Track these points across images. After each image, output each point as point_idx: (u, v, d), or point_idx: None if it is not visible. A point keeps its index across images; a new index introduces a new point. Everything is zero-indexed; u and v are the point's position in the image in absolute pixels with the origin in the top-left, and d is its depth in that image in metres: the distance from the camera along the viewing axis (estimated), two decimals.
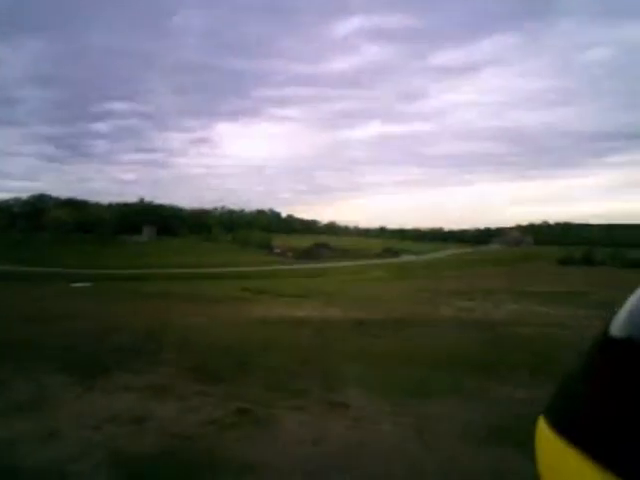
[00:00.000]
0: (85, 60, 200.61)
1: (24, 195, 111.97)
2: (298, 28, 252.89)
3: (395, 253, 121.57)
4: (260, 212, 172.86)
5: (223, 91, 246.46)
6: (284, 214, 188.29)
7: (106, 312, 17.61)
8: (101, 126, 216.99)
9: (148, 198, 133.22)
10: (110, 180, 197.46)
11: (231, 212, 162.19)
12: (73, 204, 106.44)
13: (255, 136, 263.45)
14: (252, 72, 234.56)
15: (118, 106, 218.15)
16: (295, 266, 70.00)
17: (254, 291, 31.02)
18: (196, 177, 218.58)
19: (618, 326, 1.13)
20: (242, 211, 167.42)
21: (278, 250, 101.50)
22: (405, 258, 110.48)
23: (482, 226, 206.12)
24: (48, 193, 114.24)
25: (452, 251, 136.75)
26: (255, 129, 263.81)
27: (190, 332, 11.79)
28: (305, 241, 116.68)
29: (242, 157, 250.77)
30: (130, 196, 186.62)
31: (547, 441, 1.15)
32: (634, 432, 0.90)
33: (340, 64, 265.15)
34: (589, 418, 1.07)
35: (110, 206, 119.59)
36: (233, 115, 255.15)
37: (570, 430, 1.08)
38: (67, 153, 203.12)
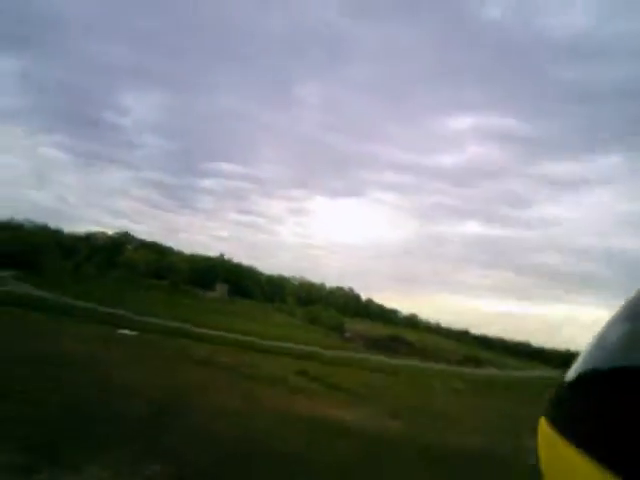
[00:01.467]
0: (203, 118, 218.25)
1: (110, 230, 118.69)
2: (409, 117, 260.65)
3: (478, 363, 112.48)
4: (339, 290, 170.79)
5: (326, 166, 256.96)
6: (364, 297, 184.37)
7: (123, 373, 15.79)
8: (208, 182, 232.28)
9: (232, 256, 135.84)
10: (203, 234, 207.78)
11: (310, 285, 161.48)
12: (154, 247, 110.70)
13: (349, 215, 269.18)
14: (357, 152, 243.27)
15: (227, 167, 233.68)
16: (364, 356, 65.42)
17: (310, 377, 28.04)
18: (285, 245, 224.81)
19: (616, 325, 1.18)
20: (321, 285, 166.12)
21: (349, 335, 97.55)
22: (489, 371, 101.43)
23: (574, 348, 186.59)
24: (132, 232, 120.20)
25: (541, 372, 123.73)
26: (350, 208, 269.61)
27: (217, 423, 9.30)
28: (381, 330, 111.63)
29: (333, 233, 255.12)
30: (214, 251, 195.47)
31: (548, 441, 1.21)
32: (635, 432, 0.92)
33: (445, 158, 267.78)
34: (590, 418, 1.11)
35: (192, 256, 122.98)
36: (332, 191, 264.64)
37: (571, 430, 1.13)
38: (171, 202, 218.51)
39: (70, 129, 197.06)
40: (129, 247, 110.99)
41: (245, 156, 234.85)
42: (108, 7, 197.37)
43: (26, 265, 66.39)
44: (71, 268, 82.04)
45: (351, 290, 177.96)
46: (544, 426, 1.27)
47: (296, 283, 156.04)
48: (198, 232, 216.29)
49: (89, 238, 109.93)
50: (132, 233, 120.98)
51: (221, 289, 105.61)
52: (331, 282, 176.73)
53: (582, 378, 1.23)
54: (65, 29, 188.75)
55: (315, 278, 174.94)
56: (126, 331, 34.21)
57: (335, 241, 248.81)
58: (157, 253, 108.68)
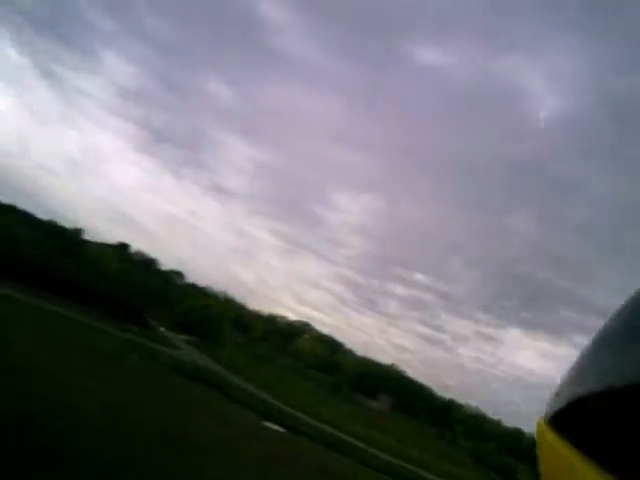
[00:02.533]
0: (406, 226, 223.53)
1: (291, 316, 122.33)
2: (628, 264, 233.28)
3: None
4: (517, 432, 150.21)
5: (525, 297, 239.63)
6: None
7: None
8: (399, 289, 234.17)
9: (404, 368, 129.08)
10: (380, 338, 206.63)
11: (484, 418, 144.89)
12: (327, 341, 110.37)
13: (542, 354, 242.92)
14: (562, 289, 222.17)
15: (419, 277, 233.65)
16: None
17: None
18: (464, 369, 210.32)
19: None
20: (497, 422, 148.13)
21: None
22: None
23: None
24: (311, 322, 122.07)
25: None
26: (544, 347, 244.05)
27: None
28: None
29: (520, 369, 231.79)
30: (387, 357, 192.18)
31: (547, 442, 1.21)
32: (633, 433, 0.92)
33: None
34: (589, 419, 1.11)
35: (362, 358, 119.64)
36: (527, 324, 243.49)
37: (570, 431, 1.13)
38: (358, 300, 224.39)
39: (284, 216, 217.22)
40: (305, 336, 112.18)
41: (439, 270, 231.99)
42: (353, 119, 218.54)
43: (202, 331, 69.54)
44: (245, 344, 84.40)
45: (530, 435, 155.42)
46: (543, 427, 1.28)
47: (468, 412, 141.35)
48: (376, 335, 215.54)
49: (269, 319, 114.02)
50: (311, 322, 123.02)
51: (384, 401, 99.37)
52: (508, 422, 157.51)
53: (581, 378, 1.22)
54: (299, 129, 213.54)
55: (490, 412, 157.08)
56: (273, 425, 31.57)
57: (520, 377, 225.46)
58: (329, 347, 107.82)
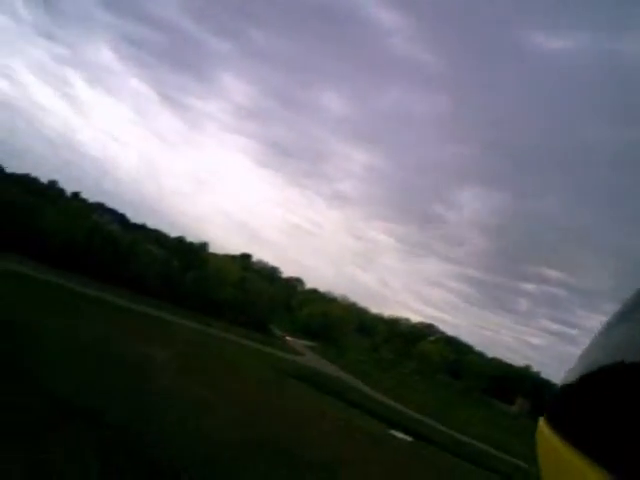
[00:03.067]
0: (531, 222, 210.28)
1: (414, 318, 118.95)
2: None
3: None
4: None
5: None
6: None
7: None
8: (528, 286, 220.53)
9: (540, 369, 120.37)
10: (510, 337, 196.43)
11: None
12: (453, 343, 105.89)
13: None
14: None
15: (549, 272, 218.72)
16: None
17: None
18: None
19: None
20: None
21: None
22: None
23: None
24: (436, 323, 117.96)
25: None
26: None
27: None
28: None
29: None
30: (519, 356, 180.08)
31: (548, 442, 1.24)
32: (633, 432, 0.94)
33: None
34: (589, 419, 1.13)
35: (492, 360, 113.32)
36: None
37: (570, 431, 1.15)
38: (484, 299, 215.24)
39: (402, 218, 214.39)
40: (430, 338, 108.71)
41: (569, 266, 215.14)
42: (455, 111, 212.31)
43: (324, 336, 69.61)
44: (368, 348, 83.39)
45: None
46: (543, 426, 1.30)
47: None
48: (505, 334, 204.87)
49: (392, 322, 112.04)
50: (435, 324, 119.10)
51: (522, 404, 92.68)
52: None
53: (581, 379, 1.24)
54: (411, 130, 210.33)
55: None
56: (399, 433, 30.00)
57: None
58: (455, 349, 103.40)
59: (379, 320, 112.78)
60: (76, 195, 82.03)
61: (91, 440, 11.15)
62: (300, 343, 63.07)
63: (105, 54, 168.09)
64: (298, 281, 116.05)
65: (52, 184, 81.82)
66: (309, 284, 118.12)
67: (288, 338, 62.86)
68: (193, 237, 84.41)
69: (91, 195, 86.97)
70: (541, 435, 1.30)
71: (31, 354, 16.05)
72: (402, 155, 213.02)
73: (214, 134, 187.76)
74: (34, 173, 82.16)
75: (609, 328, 1.25)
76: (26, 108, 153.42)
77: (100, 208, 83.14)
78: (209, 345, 33.68)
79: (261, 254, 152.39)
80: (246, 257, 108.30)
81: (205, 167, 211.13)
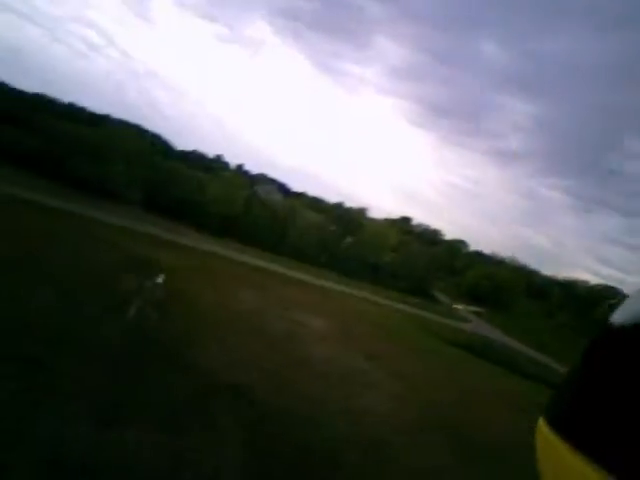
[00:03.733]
0: None
1: (593, 279, 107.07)
2: None
3: None
4: None
5: None
6: None
7: None
8: None
9: None
10: None
11: None
12: None
13: None
14: None
15: None
16: None
17: None
18: None
19: (619, 319, 1.21)
20: None
21: None
22: None
23: None
24: (618, 287, 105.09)
25: None
26: None
27: None
28: None
29: None
30: None
31: (547, 441, 1.24)
32: (633, 432, 0.96)
33: None
34: (589, 420, 1.14)
35: None
36: None
37: (570, 430, 1.16)
38: None
39: (572, 172, 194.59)
40: (610, 301, 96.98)
41: None
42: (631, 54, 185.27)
43: (491, 301, 65.07)
44: (541, 313, 76.61)
45: None
46: (543, 427, 1.30)
47: None
48: None
49: (567, 285, 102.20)
50: (618, 286, 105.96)
51: None
52: None
53: (581, 379, 1.25)
54: (581, 77, 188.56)
55: None
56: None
57: None
58: None
59: (553, 283, 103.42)
60: (240, 167, 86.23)
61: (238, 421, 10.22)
62: (466, 309, 59.40)
63: (262, 28, 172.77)
64: (462, 243, 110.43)
65: (217, 158, 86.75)
66: (473, 246, 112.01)
67: (452, 304, 59.52)
68: (353, 202, 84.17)
69: (253, 167, 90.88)
70: (541, 435, 1.29)
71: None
72: (572, 104, 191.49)
73: (370, 98, 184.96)
74: (201, 149, 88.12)
75: (610, 328, 1.21)
76: (190, 90, 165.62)
77: (262, 179, 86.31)
78: (369, 313, 32.35)
79: (422, 217, 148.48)
80: (406, 220, 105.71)
81: (363, 132, 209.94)
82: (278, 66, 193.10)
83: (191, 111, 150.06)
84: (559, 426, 1.22)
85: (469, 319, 52.30)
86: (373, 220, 77.31)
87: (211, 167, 70.77)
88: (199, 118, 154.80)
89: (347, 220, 70.25)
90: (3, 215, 21.89)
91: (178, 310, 17.19)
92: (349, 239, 60.85)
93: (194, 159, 74.94)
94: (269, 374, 13.70)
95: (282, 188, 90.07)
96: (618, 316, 1.21)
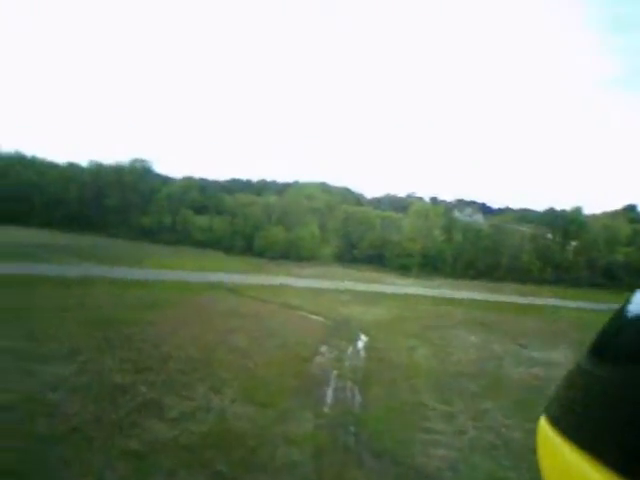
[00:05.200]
0: None
1: None
2: None
3: None
4: None
5: None
6: None
7: None
8: None
9: None
10: None
11: None
12: None
13: None
14: None
15: None
16: None
17: None
18: None
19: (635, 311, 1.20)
20: None
21: None
22: None
23: None
24: None
25: None
26: None
27: None
28: None
29: None
30: None
31: (548, 440, 1.22)
32: (635, 430, 0.95)
33: None
34: (591, 418, 1.13)
35: None
36: None
37: (572, 430, 1.15)
38: None
39: None
40: None
41: None
42: None
43: None
44: None
45: None
46: (544, 425, 1.29)
47: None
48: None
49: None
50: None
51: None
52: None
53: (583, 377, 1.26)
54: None
55: None
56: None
57: None
58: None
59: None
60: (434, 199, 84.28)
61: None
62: None
63: None
64: None
65: (410, 195, 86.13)
66: None
67: None
68: (564, 205, 75.68)
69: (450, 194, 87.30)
70: (542, 434, 1.29)
71: None
72: None
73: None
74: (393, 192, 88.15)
75: (612, 326, 1.23)
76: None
77: (459, 203, 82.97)
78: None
79: None
80: (631, 209, 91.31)
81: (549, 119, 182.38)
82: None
83: (372, 155, 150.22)
84: (562, 424, 1.20)
85: None
86: (593, 217, 68.43)
87: (405, 206, 70.19)
88: (383, 161, 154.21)
89: (563, 224, 63.27)
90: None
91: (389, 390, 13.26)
92: (572, 244, 54.15)
93: (387, 203, 75.30)
94: None
95: (483, 208, 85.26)
96: (634, 307, 1.18)
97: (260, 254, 36.50)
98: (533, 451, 1.32)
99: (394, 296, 30.09)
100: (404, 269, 38.68)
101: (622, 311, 1.21)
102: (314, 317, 21.95)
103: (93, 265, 29.23)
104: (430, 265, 40.70)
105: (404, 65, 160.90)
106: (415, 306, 27.60)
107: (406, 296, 30.66)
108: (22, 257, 28.24)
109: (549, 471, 1.21)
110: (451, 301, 30.76)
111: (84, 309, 18.08)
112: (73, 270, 25.85)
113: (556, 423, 1.23)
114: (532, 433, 1.37)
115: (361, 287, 31.21)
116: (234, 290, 26.57)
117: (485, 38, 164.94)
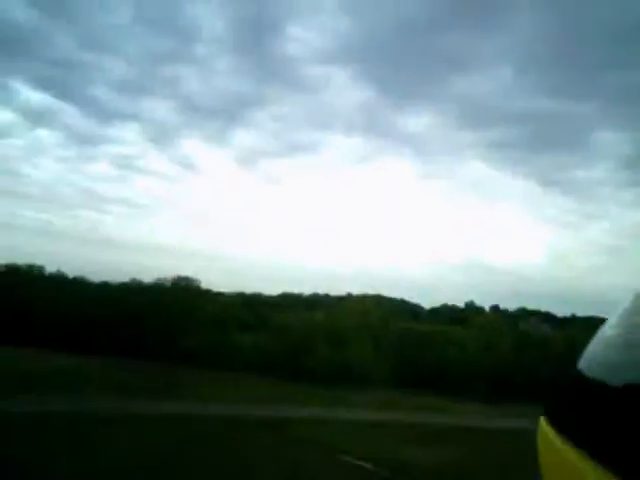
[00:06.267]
0: None
1: None
2: None
3: None
4: None
5: None
6: None
7: None
8: None
9: None
10: None
11: None
12: None
13: None
14: None
15: None
16: None
17: None
18: None
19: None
20: None
21: None
22: None
23: None
24: None
25: None
26: None
27: None
28: None
29: None
30: None
31: (548, 440, 1.22)
32: (634, 431, 0.95)
33: None
34: (591, 418, 1.13)
35: None
36: None
37: (571, 430, 1.15)
38: None
39: None
40: None
41: None
42: None
43: None
44: None
45: None
46: (544, 425, 1.29)
47: None
48: None
49: None
50: None
51: None
52: None
53: (582, 377, 1.24)
54: None
55: None
56: None
57: None
58: None
59: None
60: (495, 307, 79.40)
61: None
62: None
63: (475, 166, 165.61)
64: None
65: (469, 305, 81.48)
66: None
67: None
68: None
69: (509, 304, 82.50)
70: (542, 434, 1.28)
71: None
72: None
73: (607, 197, 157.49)
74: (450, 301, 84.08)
75: (612, 326, 1.23)
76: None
77: (521, 314, 77.72)
78: None
79: None
80: None
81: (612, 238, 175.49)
82: (502, 197, 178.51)
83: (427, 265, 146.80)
84: (561, 424, 1.20)
85: None
86: None
87: (464, 317, 65.96)
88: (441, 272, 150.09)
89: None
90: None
91: None
92: None
93: (445, 313, 71.23)
94: None
95: (547, 318, 79.31)
96: (625, 312, 1.20)
97: (307, 378, 32.96)
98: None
99: (463, 430, 25.45)
100: (469, 392, 33.97)
101: (616, 317, 1.22)
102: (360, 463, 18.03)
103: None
104: (502, 387, 35.60)
105: None
106: (492, 444, 22.83)
107: (479, 430, 25.84)
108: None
109: (549, 471, 1.21)
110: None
111: None
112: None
113: (556, 423, 1.22)
114: None
115: (421, 418, 26.91)
116: (270, 425, 22.61)
117: None
